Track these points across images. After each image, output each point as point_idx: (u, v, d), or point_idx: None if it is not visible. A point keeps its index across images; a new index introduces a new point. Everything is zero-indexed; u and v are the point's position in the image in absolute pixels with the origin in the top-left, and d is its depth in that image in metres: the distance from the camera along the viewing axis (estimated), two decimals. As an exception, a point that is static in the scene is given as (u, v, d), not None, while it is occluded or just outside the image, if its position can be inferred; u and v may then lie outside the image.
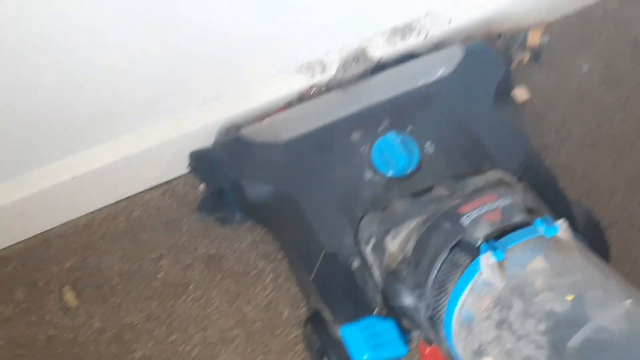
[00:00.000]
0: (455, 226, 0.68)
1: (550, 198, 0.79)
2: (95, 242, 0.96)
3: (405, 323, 0.77)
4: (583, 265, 0.64)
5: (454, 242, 0.67)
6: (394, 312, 0.77)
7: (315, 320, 0.82)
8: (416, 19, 1.00)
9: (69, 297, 0.92)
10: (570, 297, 0.59)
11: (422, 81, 0.92)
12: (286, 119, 0.91)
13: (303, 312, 0.92)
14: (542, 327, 0.58)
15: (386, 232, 0.78)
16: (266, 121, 0.91)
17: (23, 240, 0.96)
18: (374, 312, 0.78)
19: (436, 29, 1.00)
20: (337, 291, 0.81)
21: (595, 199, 0.99)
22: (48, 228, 0.97)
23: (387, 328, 0.76)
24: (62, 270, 0.94)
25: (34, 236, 0.97)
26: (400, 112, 0.89)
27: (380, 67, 0.97)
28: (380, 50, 0.99)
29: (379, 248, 0.78)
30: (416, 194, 0.81)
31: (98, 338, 0.91)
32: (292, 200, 0.84)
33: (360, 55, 0.98)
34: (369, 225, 0.81)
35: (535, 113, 1.05)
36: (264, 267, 0.95)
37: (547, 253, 0.64)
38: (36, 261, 0.95)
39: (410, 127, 0.88)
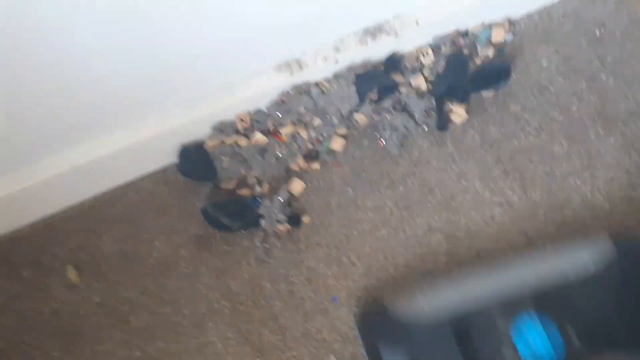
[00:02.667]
0: None
1: None
2: (95, 225, 1.06)
3: None
4: None
5: None
6: None
7: None
8: (385, 20, 1.09)
9: (72, 274, 1.02)
10: None
11: (569, 273, 0.91)
12: (429, 295, 0.91)
13: (283, 286, 1.02)
14: None
15: None
16: (410, 295, 0.92)
17: (29, 224, 1.06)
18: None
19: (405, 30, 1.09)
20: None
21: (551, 183, 1.08)
22: (52, 213, 1.07)
23: None
24: (65, 251, 1.04)
25: (39, 220, 1.07)
26: (545, 301, 0.90)
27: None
28: (354, 51, 1.08)
29: None
30: None
31: (98, 311, 1.01)
32: None
33: (334, 54, 1.08)
34: None
35: (497, 104, 1.14)
36: (248, 245, 1.05)
37: None
38: (41, 243, 1.05)
39: (554, 317, 0.88)
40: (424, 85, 1.11)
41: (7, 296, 1.01)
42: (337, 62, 1.08)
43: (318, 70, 1.08)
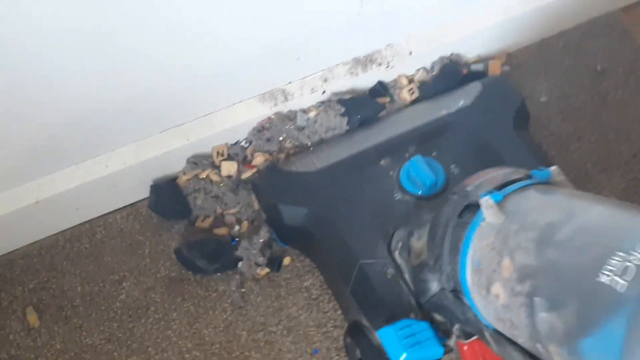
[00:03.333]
0: (462, 195, 0.71)
1: None
2: (59, 264, 0.98)
3: (440, 321, 0.79)
4: (575, 193, 0.67)
5: (462, 207, 0.70)
6: (428, 315, 0.81)
7: (354, 331, 0.85)
8: (377, 50, 1.02)
9: (32, 317, 0.95)
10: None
11: (444, 112, 0.98)
12: (319, 152, 0.96)
13: (260, 335, 0.95)
14: (532, 234, 0.61)
15: (410, 234, 0.83)
16: (301, 155, 0.97)
17: (-13, 261, 0.98)
18: (410, 316, 0.81)
19: (397, 61, 1.03)
20: (373, 299, 0.84)
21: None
22: (12, 249, 0.99)
23: (423, 328, 0.79)
24: (26, 291, 0.97)
25: (-1, 257, 0.98)
26: (425, 139, 0.95)
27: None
28: (342, 81, 1.01)
29: (405, 249, 0.84)
30: None
31: (59, 358, 0.93)
32: (327, 222, 0.89)
33: (321, 85, 1.01)
34: (399, 236, 0.86)
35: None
36: (224, 290, 0.98)
37: (543, 192, 0.67)
38: (0, 281, 0.96)
39: (435, 152, 0.94)
40: (408, 97, 1.05)
41: (-40, 340, 0.93)
42: (324, 92, 1.02)
43: (304, 101, 1.01)
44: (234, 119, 1.00)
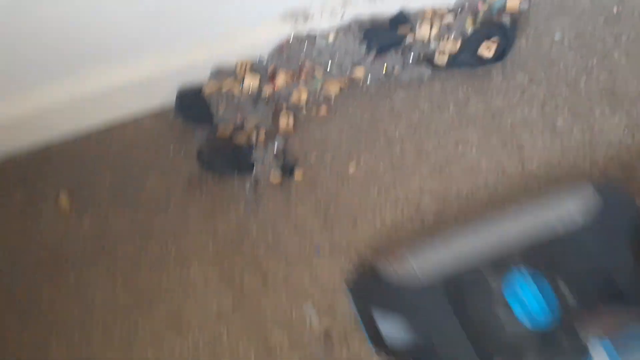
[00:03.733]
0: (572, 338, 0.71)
1: None
2: (91, 157, 1.08)
3: None
4: None
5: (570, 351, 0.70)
6: None
7: None
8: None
9: (63, 200, 1.04)
10: None
11: (556, 225, 0.90)
12: (420, 257, 0.90)
13: (269, 233, 1.03)
14: None
15: None
16: (401, 258, 0.91)
17: (26, 150, 1.09)
18: None
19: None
20: None
21: (550, 155, 1.07)
22: (50, 142, 1.09)
23: None
24: (59, 178, 1.07)
25: (36, 147, 1.09)
26: (533, 253, 0.89)
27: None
28: (361, 7, 1.07)
29: None
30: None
31: (86, 238, 1.03)
32: (430, 347, 0.86)
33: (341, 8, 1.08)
34: None
35: (504, 73, 1.13)
36: (239, 191, 1.06)
37: None
38: (37, 169, 1.07)
39: (543, 267, 0.88)
40: (427, 35, 1.10)
41: (-1, 216, 1.04)
42: (343, 16, 1.08)
43: (323, 23, 1.08)
44: (257, 35, 1.07)
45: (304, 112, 1.11)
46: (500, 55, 1.11)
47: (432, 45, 1.12)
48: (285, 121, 1.08)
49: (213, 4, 0.99)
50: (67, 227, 1.03)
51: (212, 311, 0.98)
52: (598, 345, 0.66)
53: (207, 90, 1.08)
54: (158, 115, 1.10)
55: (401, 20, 1.10)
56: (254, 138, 1.09)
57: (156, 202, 1.05)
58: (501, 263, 0.87)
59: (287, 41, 1.07)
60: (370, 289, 0.91)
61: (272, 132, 1.09)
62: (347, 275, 0.97)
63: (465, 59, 1.11)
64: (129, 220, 1.04)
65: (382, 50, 1.08)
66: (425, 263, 0.89)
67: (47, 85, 1.02)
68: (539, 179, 1.06)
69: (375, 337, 0.88)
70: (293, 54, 1.07)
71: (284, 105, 1.10)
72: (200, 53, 1.06)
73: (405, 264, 0.89)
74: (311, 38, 1.07)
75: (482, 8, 1.15)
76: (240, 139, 1.09)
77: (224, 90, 1.07)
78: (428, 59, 1.12)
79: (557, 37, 1.17)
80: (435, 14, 1.12)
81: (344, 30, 1.08)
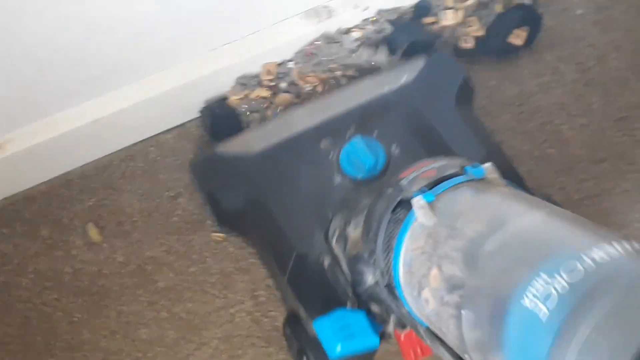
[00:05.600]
0: (396, 189, 0.70)
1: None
2: (115, 182, 1.01)
3: (377, 312, 0.78)
4: (508, 195, 0.65)
5: (395, 202, 0.69)
6: (365, 304, 0.79)
7: (292, 321, 0.86)
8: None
9: (93, 232, 0.98)
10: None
11: (385, 89, 0.94)
12: (257, 133, 0.93)
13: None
14: (460, 243, 0.59)
15: (347, 222, 0.82)
16: (238, 136, 0.94)
17: (46, 181, 1.01)
18: (347, 306, 0.81)
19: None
20: (310, 289, 0.84)
21: (589, 135, 1.04)
22: (70, 169, 1.02)
23: (358, 318, 0.78)
24: (85, 208, 1.00)
25: (57, 177, 1.02)
26: (365, 118, 0.92)
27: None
28: (384, -1, 1.03)
29: (342, 238, 0.82)
30: None
31: (121, 270, 0.96)
32: (265, 207, 0.88)
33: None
34: (336, 223, 0.85)
35: (531, 54, 1.09)
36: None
37: (475, 191, 0.66)
38: (60, 200, 1.00)
39: (376, 132, 0.91)
40: (453, 21, 1.06)
41: (26, 256, 0.96)
42: (367, 8, 1.03)
43: (347, 18, 1.03)
44: (280, 37, 1.02)
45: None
46: (529, 41, 1.07)
47: (458, 31, 1.07)
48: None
49: (232, 5, 0.94)
50: (101, 260, 0.97)
51: (263, 333, 0.93)
52: (418, 194, 0.66)
53: (233, 101, 1.02)
54: (182, 130, 1.04)
55: (424, 8, 1.06)
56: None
57: (191, 224, 0.99)
58: (337, 133, 0.90)
59: (314, 44, 1.01)
60: (209, 167, 0.92)
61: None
62: (191, 159, 0.97)
63: (494, 45, 1.07)
64: (164, 245, 0.98)
65: (411, 52, 1.04)
66: (262, 137, 0.92)
67: (63, 111, 0.96)
68: (581, 161, 1.03)
69: (217, 214, 0.92)
70: (322, 58, 1.01)
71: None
72: (222, 60, 1.00)
73: (241, 140, 0.92)
74: (338, 37, 1.02)
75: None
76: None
77: (251, 98, 1.01)
78: (455, 47, 1.08)
79: (579, 12, 1.13)
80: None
81: (372, 24, 1.03)
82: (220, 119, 1.01)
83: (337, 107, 0.93)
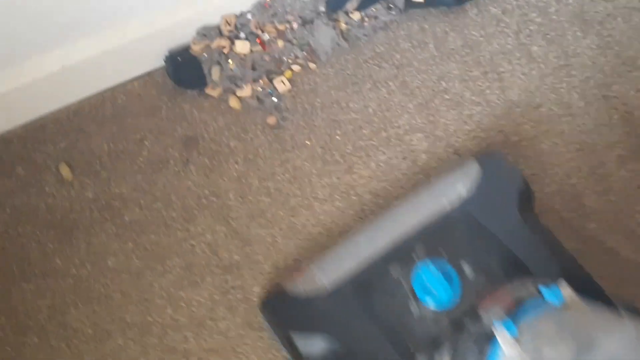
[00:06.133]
0: (479, 326, 0.73)
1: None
2: (86, 126, 1.09)
3: None
4: (587, 321, 0.68)
5: (484, 345, 0.71)
6: None
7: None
8: None
9: (65, 171, 1.06)
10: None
11: (446, 205, 0.92)
12: (325, 267, 0.91)
13: (270, 184, 1.06)
14: None
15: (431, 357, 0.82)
16: (306, 272, 0.92)
17: (21, 125, 1.09)
18: None
19: None
20: None
21: (529, 82, 1.11)
22: (43, 114, 1.10)
23: None
24: (58, 150, 1.08)
25: (30, 121, 1.09)
26: (431, 239, 0.90)
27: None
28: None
29: None
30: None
31: (91, 206, 1.04)
32: (345, 348, 0.86)
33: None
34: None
35: (477, 6, 1.16)
36: (236, 145, 1.08)
37: (556, 322, 0.69)
38: (34, 142, 1.08)
39: (442, 251, 0.89)
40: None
41: (2, 192, 1.04)
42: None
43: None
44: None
45: (295, 69, 1.13)
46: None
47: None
48: (280, 85, 1.10)
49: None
50: (72, 196, 1.05)
51: (224, 262, 1.01)
52: (497, 322, 0.70)
53: (195, 50, 1.09)
54: (148, 78, 1.11)
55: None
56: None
57: (156, 164, 1.07)
58: (405, 257, 0.89)
59: (270, -1, 1.08)
60: (283, 311, 0.91)
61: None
62: (260, 301, 0.97)
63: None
64: (131, 183, 1.05)
65: (364, 4, 1.10)
66: (331, 271, 0.90)
67: (34, 58, 1.03)
68: (520, 106, 1.10)
69: (298, 358, 0.88)
70: (278, 9, 1.08)
71: (278, 66, 1.12)
72: (183, 12, 1.07)
73: (310, 277, 0.90)
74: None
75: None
76: (233, 103, 1.11)
77: (213, 48, 1.09)
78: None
79: (524, -33, 1.20)
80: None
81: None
82: (182, 66, 1.08)
83: (399, 228, 0.91)
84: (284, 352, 0.92)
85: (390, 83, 1.13)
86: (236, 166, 1.07)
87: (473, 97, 1.11)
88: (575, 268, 0.90)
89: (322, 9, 1.12)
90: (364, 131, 1.09)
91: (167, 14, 1.06)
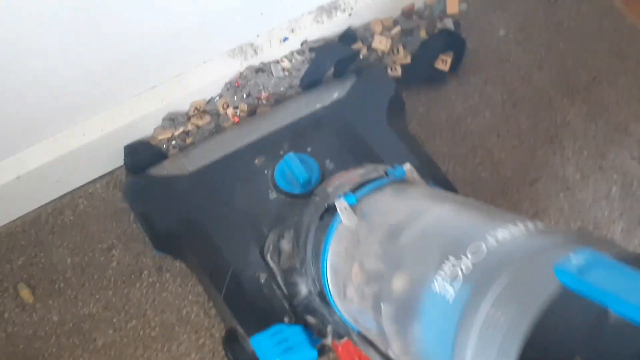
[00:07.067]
0: (323, 197, 0.72)
1: None
2: (45, 238, 0.98)
3: (314, 324, 0.79)
4: (425, 192, 0.68)
5: (322, 210, 0.70)
6: (302, 318, 0.80)
7: (230, 338, 0.86)
8: (341, -4, 1.03)
9: (25, 293, 0.94)
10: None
11: (318, 106, 0.96)
12: (190, 153, 0.93)
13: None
14: (379, 237, 0.61)
15: (281, 236, 0.83)
16: (172, 158, 0.94)
17: (-29, 242, 0.97)
18: (284, 320, 0.81)
19: (360, 4, 1.04)
20: (247, 305, 0.84)
21: (521, 156, 1.05)
22: (-6, 228, 0.98)
23: (295, 332, 0.78)
24: (14, 268, 0.96)
25: (-19, 237, 0.97)
26: (299, 136, 0.94)
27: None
28: (309, 30, 1.02)
29: (276, 252, 0.83)
30: None
31: (58, 331, 0.93)
32: (199, 227, 0.88)
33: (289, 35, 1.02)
34: (271, 238, 0.85)
35: (458, 78, 1.10)
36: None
37: (394, 190, 0.68)
38: (-14, 261, 0.96)
39: (309, 149, 0.92)
40: (385, 46, 1.06)
41: (-46, 323, 0.92)
42: (292, 41, 1.02)
43: (273, 53, 1.02)
44: (206, 76, 1.00)
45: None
46: (454, 65, 1.08)
47: (386, 59, 1.07)
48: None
49: (157, 49, 0.92)
50: (35, 321, 0.93)
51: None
52: (341, 199, 0.68)
53: (153, 140, 0.99)
54: (110, 178, 1.01)
55: (350, 37, 1.06)
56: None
57: (127, 276, 0.96)
58: (271, 151, 0.92)
59: (241, 74, 0.99)
60: (142, 190, 0.92)
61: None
62: (124, 183, 0.96)
63: (421, 72, 1.08)
64: (101, 301, 0.94)
65: (339, 71, 1.03)
66: (195, 157, 0.92)
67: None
68: (515, 182, 1.04)
69: (152, 235, 0.91)
70: (251, 89, 1.00)
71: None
72: (149, 104, 0.98)
73: (174, 161, 0.93)
74: (265, 66, 1.01)
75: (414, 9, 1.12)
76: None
77: (176, 135, 0.99)
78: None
79: (502, 32, 1.15)
80: (383, 27, 1.07)
81: (299, 54, 1.02)
82: (142, 157, 0.98)
83: (270, 125, 0.94)
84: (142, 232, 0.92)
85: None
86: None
87: (466, 176, 1.03)
88: (431, 165, 0.96)
89: (297, 83, 1.04)
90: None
91: (128, 110, 0.97)
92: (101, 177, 1.02)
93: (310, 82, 1.02)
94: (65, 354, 0.92)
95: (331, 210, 0.69)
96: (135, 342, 0.93)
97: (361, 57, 1.05)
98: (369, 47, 1.07)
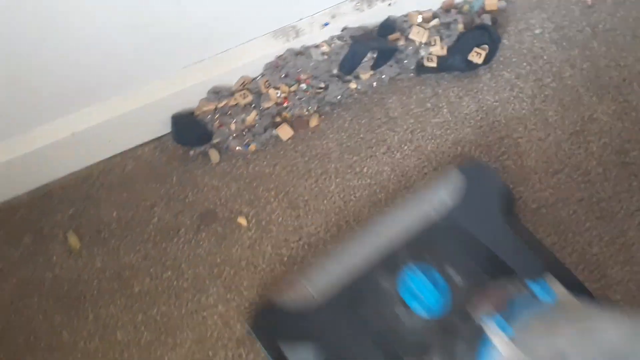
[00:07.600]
0: (473, 331, 0.72)
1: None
2: (94, 193, 1.07)
3: None
4: (580, 318, 0.67)
5: (476, 346, 0.71)
6: None
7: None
8: (382, -15, 1.10)
9: (73, 240, 1.03)
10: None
11: (431, 213, 0.94)
12: (313, 279, 0.92)
13: (284, 250, 1.03)
14: None
15: None
16: (295, 285, 0.92)
17: (28, 192, 1.06)
18: None
19: (400, -4, 1.11)
20: None
21: (546, 147, 1.10)
22: (50, 180, 1.07)
23: None
24: (65, 218, 1.05)
25: (38, 188, 1.07)
26: (418, 247, 0.91)
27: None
28: (349, 17, 1.09)
29: None
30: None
31: (100, 276, 1.01)
32: (335, 358, 0.86)
33: (330, 20, 1.09)
34: None
35: (491, 71, 1.15)
36: (248, 211, 1.06)
37: (549, 311, 0.70)
38: (41, 210, 1.05)
39: (428, 258, 0.90)
40: (422, 37, 1.12)
41: (8, 262, 1.02)
42: (332, 28, 1.09)
43: (314, 37, 1.09)
44: (250, 55, 1.08)
45: (300, 124, 1.11)
46: (488, 59, 1.13)
47: (422, 50, 1.13)
48: (283, 132, 1.08)
49: (203, 26, 0.99)
50: (80, 266, 1.02)
51: (237, 335, 0.98)
52: (490, 322, 0.69)
53: (198, 111, 1.07)
54: (157, 144, 1.10)
55: (389, 27, 1.12)
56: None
57: (166, 232, 1.04)
58: (391, 264, 0.89)
59: (281, 56, 1.07)
60: (272, 323, 0.91)
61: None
62: (247, 316, 0.97)
63: (455, 63, 1.13)
64: (140, 252, 1.03)
65: (379, 63, 1.09)
66: (319, 282, 0.90)
67: (43, 125, 1.01)
68: (537, 172, 1.08)
69: None
70: (290, 69, 1.07)
71: (283, 116, 1.10)
72: (195, 77, 1.06)
73: (300, 289, 0.91)
74: (305, 50, 1.08)
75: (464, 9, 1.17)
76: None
77: (220, 107, 1.07)
78: (418, 64, 1.14)
79: (538, 31, 1.20)
80: (423, 18, 1.13)
81: (339, 39, 1.09)
82: (188, 127, 1.07)
83: (386, 237, 0.93)
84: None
85: (404, 147, 1.11)
86: (249, 233, 1.04)
87: (490, 163, 1.08)
88: (555, 263, 0.93)
89: (335, 71, 1.10)
90: (379, 196, 1.07)
91: (175, 81, 1.05)
92: (149, 142, 1.10)
93: (350, 68, 1.09)
94: (105, 297, 1.00)
95: (478, 333, 0.70)
96: (168, 290, 1.00)
97: (399, 46, 1.11)
98: (407, 38, 1.13)
